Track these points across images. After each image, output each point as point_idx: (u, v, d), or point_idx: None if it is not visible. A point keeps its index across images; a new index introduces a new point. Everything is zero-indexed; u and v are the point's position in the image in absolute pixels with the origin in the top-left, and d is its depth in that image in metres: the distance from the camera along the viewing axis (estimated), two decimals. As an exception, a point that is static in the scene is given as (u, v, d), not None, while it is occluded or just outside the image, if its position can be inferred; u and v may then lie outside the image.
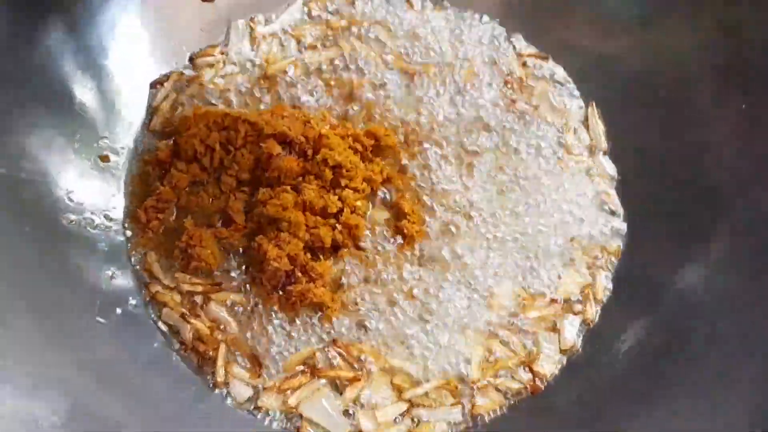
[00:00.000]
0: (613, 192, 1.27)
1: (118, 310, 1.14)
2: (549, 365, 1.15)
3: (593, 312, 1.19)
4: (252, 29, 1.34)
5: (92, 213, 1.18)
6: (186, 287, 1.15)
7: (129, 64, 1.26)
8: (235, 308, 1.15)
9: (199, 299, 1.15)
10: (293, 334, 1.13)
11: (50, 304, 1.07)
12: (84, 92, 1.21)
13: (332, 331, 1.14)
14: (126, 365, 1.08)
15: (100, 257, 1.16)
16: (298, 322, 1.14)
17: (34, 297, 1.05)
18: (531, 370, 1.14)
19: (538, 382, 1.14)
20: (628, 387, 1.10)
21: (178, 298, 1.15)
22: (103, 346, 1.08)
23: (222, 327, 1.14)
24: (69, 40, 1.19)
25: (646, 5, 1.28)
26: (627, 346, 1.15)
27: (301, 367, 1.12)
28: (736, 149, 1.17)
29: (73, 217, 1.16)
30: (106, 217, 1.19)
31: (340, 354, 1.12)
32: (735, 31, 1.18)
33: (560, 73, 1.34)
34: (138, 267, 1.18)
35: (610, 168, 1.28)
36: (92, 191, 1.19)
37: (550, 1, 1.36)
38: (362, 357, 1.12)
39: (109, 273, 1.16)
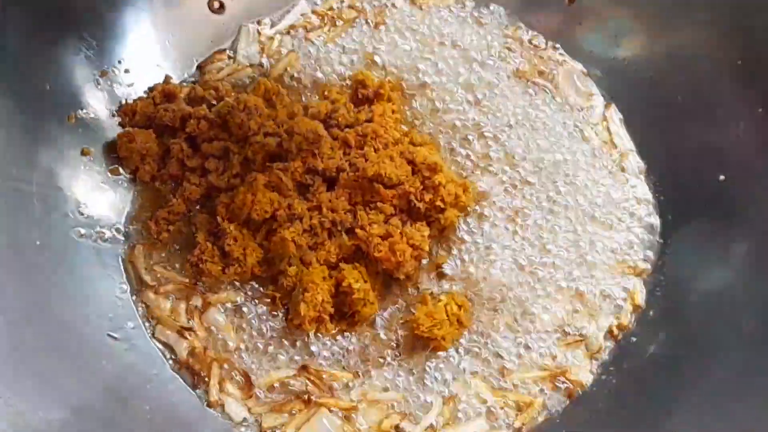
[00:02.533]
0: (649, 195, 1.24)
1: (130, 324, 1.13)
2: (584, 373, 1.13)
3: (629, 319, 1.17)
4: (259, 33, 1.33)
5: (103, 227, 1.17)
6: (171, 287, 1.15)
7: (139, 75, 1.26)
8: (235, 318, 1.14)
9: (198, 303, 1.14)
10: (280, 355, 1.12)
11: (61, 319, 1.06)
12: (96, 104, 1.21)
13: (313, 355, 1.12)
14: (134, 381, 1.07)
15: (112, 271, 1.16)
16: (286, 342, 1.12)
17: (44, 311, 1.04)
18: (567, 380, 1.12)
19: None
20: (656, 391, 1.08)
21: (168, 305, 1.14)
22: (112, 363, 1.07)
23: (218, 339, 1.12)
24: (80, 53, 1.19)
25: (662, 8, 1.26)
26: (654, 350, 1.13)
27: (289, 395, 1.09)
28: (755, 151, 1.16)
29: (83, 230, 1.15)
30: (118, 230, 1.18)
31: (311, 381, 1.09)
32: (751, 33, 1.17)
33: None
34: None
35: (640, 168, 1.26)
36: (103, 205, 1.18)
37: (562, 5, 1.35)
38: (335, 385, 1.10)
39: (122, 287, 1.15)
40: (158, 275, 1.16)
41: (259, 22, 1.35)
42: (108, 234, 1.17)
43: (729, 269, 1.13)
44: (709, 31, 1.21)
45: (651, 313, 1.17)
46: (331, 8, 1.36)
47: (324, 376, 1.10)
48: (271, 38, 1.33)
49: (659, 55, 1.27)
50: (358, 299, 1.10)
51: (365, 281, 1.11)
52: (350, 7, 1.35)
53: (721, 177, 1.17)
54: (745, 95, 1.17)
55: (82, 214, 1.16)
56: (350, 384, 1.09)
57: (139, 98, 1.24)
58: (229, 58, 1.32)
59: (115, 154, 1.21)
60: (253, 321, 1.13)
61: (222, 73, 1.30)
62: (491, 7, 1.37)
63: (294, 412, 1.08)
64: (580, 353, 1.13)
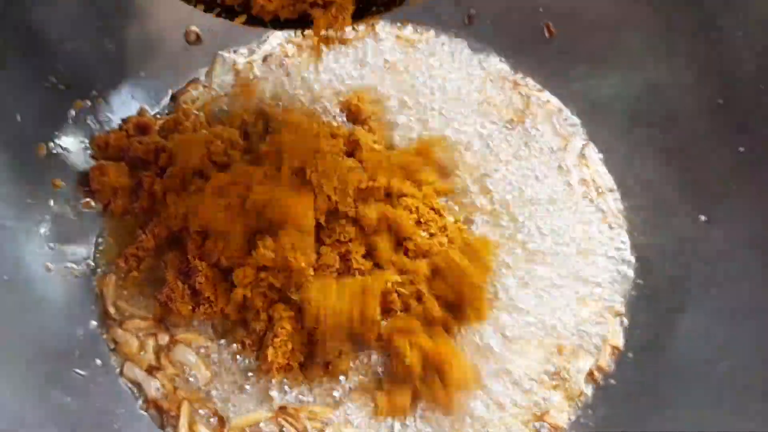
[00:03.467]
0: (625, 237, 1.22)
1: (98, 362, 1.10)
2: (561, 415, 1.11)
3: (608, 361, 1.14)
4: (235, 62, 1.32)
5: (73, 261, 1.15)
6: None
7: (112, 106, 1.24)
8: (206, 356, 1.11)
9: (164, 341, 1.12)
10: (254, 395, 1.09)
11: (26, 355, 1.03)
12: (67, 135, 1.19)
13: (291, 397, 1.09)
14: (99, 419, 1.05)
15: (81, 307, 1.13)
16: (261, 381, 1.10)
17: (9, 346, 1.02)
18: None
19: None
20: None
21: (135, 343, 1.12)
22: (78, 400, 1.04)
23: (189, 378, 1.10)
24: (52, 84, 1.16)
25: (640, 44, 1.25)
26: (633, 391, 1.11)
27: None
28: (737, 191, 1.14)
29: (53, 265, 1.13)
30: (88, 265, 1.16)
31: (289, 423, 1.07)
32: (731, 71, 1.16)
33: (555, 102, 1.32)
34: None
35: (615, 205, 1.25)
36: (74, 239, 1.16)
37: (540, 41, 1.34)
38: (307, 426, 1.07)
39: (92, 323, 1.13)
40: (123, 311, 1.14)
41: (235, 51, 1.34)
42: (78, 269, 1.15)
43: (706, 310, 1.11)
44: (690, 69, 1.20)
45: (630, 354, 1.15)
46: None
47: (302, 415, 1.07)
48: (247, 65, 1.32)
49: (638, 91, 1.26)
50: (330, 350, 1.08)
51: None
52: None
53: (702, 218, 1.16)
54: (726, 133, 1.16)
55: (51, 248, 1.14)
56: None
57: (113, 130, 1.22)
58: (204, 87, 1.30)
59: (86, 186, 1.19)
60: (225, 360, 1.11)
61: (197, 103, 1.28)
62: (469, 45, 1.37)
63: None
64: (560, 395, 1.11)
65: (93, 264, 1.16)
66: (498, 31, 1.35)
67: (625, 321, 1.16)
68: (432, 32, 1.37)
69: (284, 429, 1.07)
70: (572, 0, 1.30)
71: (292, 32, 1.33)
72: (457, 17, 1.36)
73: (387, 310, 1.10)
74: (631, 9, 1.24)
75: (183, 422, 1.07)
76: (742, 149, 1.13)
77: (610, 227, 1.23)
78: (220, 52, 1.33)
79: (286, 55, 1.33)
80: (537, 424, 1.09)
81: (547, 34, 1.32)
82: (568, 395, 1.11)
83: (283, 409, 1.08)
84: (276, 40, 1.35)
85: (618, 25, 1.26)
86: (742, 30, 1.14)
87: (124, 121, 1.24)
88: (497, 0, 1.34)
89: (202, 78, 1.32)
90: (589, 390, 1.12)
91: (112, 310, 1.13)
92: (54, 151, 1.17)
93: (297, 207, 1.07)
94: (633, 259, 1.20)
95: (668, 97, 1.22)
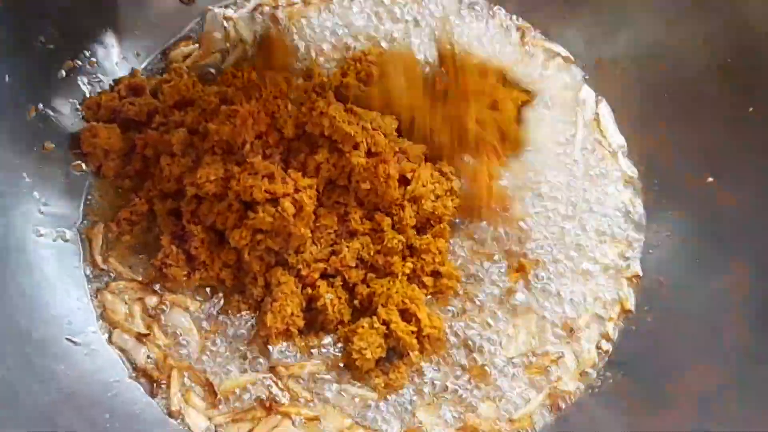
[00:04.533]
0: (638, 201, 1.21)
1: (91, 329, 1.08)
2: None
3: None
4: (225, 17, 1.28)
5: (64, 226, 1.12)
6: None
7: (104, 67, 1.21)
8: (199, 321, 1.09)
9: (153, 303, 1.09)
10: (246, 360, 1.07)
11: (18, 322, 1.01)
12: (58, 97, 1.15)
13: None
14: (93, 389, 1.03)
15: (73, 272, 1.11)
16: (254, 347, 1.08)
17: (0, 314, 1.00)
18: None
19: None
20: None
21: (123, 309, 1.09)
22: (71, 369, 1.02)
23: (180, 344, 1.07)
24: (42, 44, 1.12)
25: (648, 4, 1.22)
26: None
27: (252, 402, 1.05)
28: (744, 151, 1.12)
29: (43, 230, 1.10)
30: (79, 230, 1.13)
31: (276, 384, 1.05)
32: (742, 29, 1.12)
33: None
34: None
35: (630, 169, 1.23)
36: (65, 203, 1.13)
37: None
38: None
39: (84, 288, 1.10)
40: (113, 267, 1.11)
41: (225, 6, 1.30)
42: (69, 234, 1.13)
43: (717, 275, 1.09)
44: (699, 28, 1.16)
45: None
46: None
47: (294, 369, 1.05)
48: (235, 21, 1.28)
49: (646, 51, 1.22)
50: (331, 318, 1.05)
51: (339, 298, 1.07)
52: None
53: (710, 179, 1.13)
54: (734, 94, 1.13)
55: (42, 212, 1.11)
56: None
57: (104, 91, 1.19)
58: (194, 43, 1.27)
59: (78, 149, 1.15)
60: (220, 324, 1.09)
61: (188, 60, 1.25)
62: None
63: (255, 419, 1.04)
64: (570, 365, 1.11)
65: (84, 223, 1.14)
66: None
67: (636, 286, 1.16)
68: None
69: (272, 390, 1.05)
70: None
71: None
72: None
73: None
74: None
75: (174, 390, 1.05)
76: (750, 109, 1.10)
77: (618, 191, 1.21)
78: (210, 7, 1.29)
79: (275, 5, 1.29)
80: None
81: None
82: (579, 366, 1.11)
83: (273, 369, 1.06)
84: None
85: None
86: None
87: (116, 82, 1.21)
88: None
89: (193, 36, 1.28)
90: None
91: (99, 259, 1.11)
92: (44, 113, 1.14)
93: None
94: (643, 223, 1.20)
95: (676, 57, 1.19)
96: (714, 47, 1.14)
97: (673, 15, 1.19)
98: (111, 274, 1.11)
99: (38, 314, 1.05)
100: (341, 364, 1.07)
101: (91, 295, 1.11)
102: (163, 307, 1.09)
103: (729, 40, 1.13)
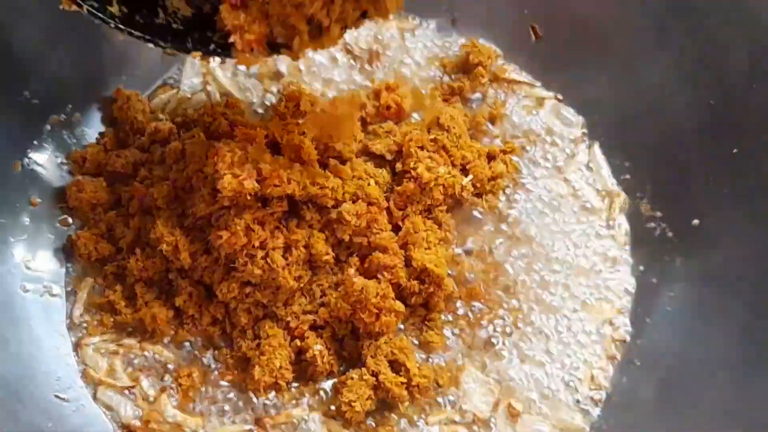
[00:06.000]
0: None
1: (79, 384, 1.07)
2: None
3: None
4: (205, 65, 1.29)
5: (51, 281, 1.12)
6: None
7: (89, 120, 1.21)
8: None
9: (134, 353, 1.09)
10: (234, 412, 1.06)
11: (5, 379, 1.00)
12: (43, 151, 1.16)
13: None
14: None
15: (60, 328, 1.10)
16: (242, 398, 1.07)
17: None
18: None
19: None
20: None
21: (105, 366, 1.08)
22: (59, 425, 1.01)
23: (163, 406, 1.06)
24: (26, 99, 1.13)
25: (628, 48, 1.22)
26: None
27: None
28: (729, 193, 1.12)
29: (30, 285, 1.10)
30: (66, 283, 1.13)
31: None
32: (720, 73, 1.13)
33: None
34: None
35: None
36: (51, 258, 1.13)
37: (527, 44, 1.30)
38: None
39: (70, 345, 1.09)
40: (88, 321, 1.11)
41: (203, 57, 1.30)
42: (56, 289, 1.12)
43: (701, 318, 1.09)
44: (680, 70, 1.17)
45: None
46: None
47: (280, 419, 1.05)
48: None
49: (629, 93, 1.22)
50: (320, 370, 1.05)
51: (329, 349, 1.07)
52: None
53: (695, 221, 1.14)
54: (718, 135, 1.13)
55: (28, 268, 1.11)
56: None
57: (90, 145, 1.19)
58: (172, 88, 1.27)
59: (64, 203, 1.16)
60: (207, 377, 1.08)
61: (168, 106, 1.25)
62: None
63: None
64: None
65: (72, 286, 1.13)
66: (483, 32, 1.32)
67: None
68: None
69: None
70: (558, 1, 1.28)
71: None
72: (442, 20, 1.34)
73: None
74: (620, 10, 1.22)
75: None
76: (735, 150, 1.11)
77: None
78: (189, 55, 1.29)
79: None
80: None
81: (533, 37, 1.29)
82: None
83: (259, 420, 1.05)
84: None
85: (606, 26, 1.23)
86: (733, 30, 1.11)
87: (102, 135, 1.21)
88: (480, 3, 1.31)
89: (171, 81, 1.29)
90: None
91: (77, 313, 1.10)
92: (29, 168, 1.14)
93: None
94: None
95: (659, 100, 1.19)
96: (696, 89, 1.15)
97: (653, 58, 1.19)
98: (87, 329, 1.11)
99: (26, 371, 1.04)
100: (330, 409, 1.06)
101: (72, 352, 1.10)
102: (145, 355, 1.09)
103: (710, 82, 1.13)
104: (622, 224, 1.20)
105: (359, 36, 1.30)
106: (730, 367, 1.02)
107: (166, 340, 1.09)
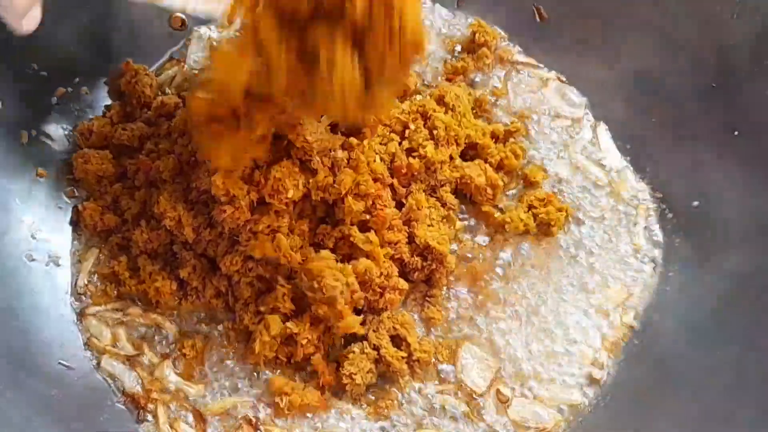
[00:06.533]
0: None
1: (84, 352, 1.09)
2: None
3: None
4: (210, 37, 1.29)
5: (57, 251, 1.13)
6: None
7: (96, 93, 1.22)
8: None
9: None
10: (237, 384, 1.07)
11: (10, 347, 1.02)
12: (50, 123, 1.17)
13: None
14: (87, 412, 1.03)
15: (65, 297, 1.11)
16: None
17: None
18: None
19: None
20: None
21: (108, 336, 1.09)
22: (64, 392, 1.02)
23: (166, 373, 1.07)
24: (34, 71, 1.14)
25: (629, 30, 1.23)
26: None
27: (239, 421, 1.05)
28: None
29: (36, 255, 1.11)
30: (72, 254, 1.14)
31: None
32: (722, 54, 1.14)
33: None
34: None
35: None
36: (58, 228, 1.14)
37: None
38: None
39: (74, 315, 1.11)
40: (92, 291, 1.12)
41: (210, 28, 1.30)
42: (62, 259, 1.13)
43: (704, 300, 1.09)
44: (682, 54, 1.18)
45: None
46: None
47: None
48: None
49: (631, 77, 1.23)
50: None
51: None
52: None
53: (695, 203, 1.14)
54: (719, 118, 1.14)
55: (34, 238, 1.12)
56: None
57: (96, 117, 1.20)
58: (179, 62, 1.28)
59: (70, 175, 1.17)
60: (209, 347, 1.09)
61: (174, 81, 1.25)
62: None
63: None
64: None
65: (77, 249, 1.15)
66: (488, 13, 1.32)
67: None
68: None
69: (259, 412, 1.05)
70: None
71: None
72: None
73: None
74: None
75: (163, 421, 1.05)
76: (736, 132, 1.12)
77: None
78: (195, 28, 1.29)
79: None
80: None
81: (538, 18, 1.29)
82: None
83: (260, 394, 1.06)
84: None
85: (609, 8, 1.24)
86: (736, 11, 1.12)
87: (108, 108, 1.21)
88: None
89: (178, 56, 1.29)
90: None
91: (82, 283, 1.12)
92: (36, 139, 1.15)
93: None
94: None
95: (661, 83, 1.20)
96: (698, 73, 1.16)
97: (656, 41, 1.20)
98: (91, 298, 1.12)
99: (31, 339, 1.05)
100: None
101: (76, 321, 1.11)
102: (149, 325, 1.10)
103: (712, 66, 1.15)
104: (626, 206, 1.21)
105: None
106: (732, 351, 1.03)
107: (169, 312, 1.11)
